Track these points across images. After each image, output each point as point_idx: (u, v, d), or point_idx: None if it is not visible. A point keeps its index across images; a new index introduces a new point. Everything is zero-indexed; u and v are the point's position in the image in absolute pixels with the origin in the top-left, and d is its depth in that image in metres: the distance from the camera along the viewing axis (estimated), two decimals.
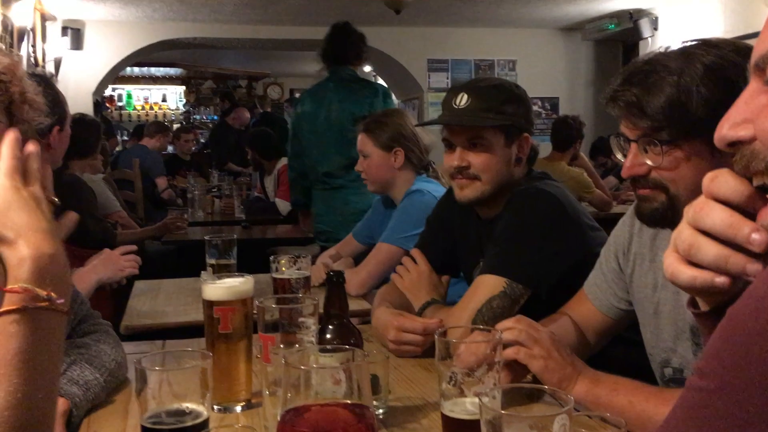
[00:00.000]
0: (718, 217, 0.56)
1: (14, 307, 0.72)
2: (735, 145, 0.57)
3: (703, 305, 0.64)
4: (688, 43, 1.07)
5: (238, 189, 5.87)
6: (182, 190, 6.11)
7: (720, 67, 1.02)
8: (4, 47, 4.27)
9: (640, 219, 1.13)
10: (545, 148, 4.37)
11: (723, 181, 0.57)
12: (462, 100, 1.62)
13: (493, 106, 1.61)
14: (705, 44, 1.05)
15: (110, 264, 1.87)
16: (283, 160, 5.21)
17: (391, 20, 6.12)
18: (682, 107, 1.02)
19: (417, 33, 7.24)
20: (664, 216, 1.08)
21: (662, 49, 1.09)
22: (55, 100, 1.84)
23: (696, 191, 0.61)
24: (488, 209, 1.67)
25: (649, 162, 1.07)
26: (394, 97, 6.13)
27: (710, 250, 0.57)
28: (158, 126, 6.45)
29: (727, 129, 0.57)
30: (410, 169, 2.38)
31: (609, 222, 1.56)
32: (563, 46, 7.56)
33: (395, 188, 2.39)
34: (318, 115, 3.42)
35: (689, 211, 0.59)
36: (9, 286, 0.74)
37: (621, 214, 1.38)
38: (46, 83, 1.86)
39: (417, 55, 7.32)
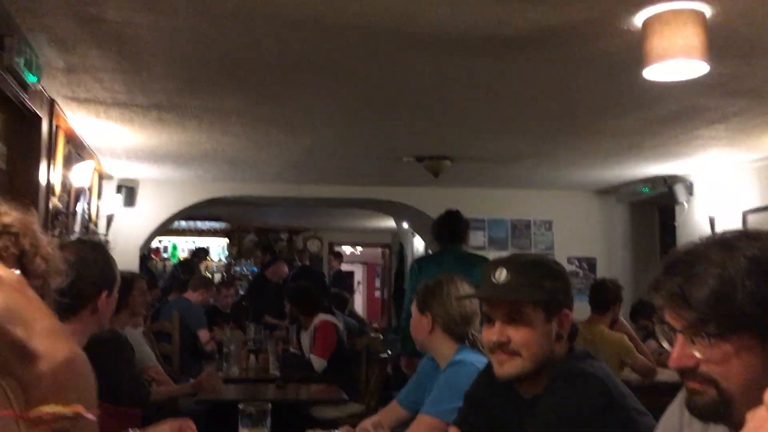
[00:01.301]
0: None
1: None
2: None
3: None
4: (729, 234, 1.08)
5: (274, 343, 5.85)
6: (219, 343, 6.10)
7: (764, 260, 1.01)
8: (61, 205, 4.49)
9: (691, 413, 1.08)
10: (584, 308, 4.31)
11: None
12: (501, 274, 1.63)
13: (533, 282, 1.61)
14: (746, 236, 1.05)
15: None
16: (321, 316, 5.22)
17: (429, 181, 6.30)
18: (728, 300, 1.01)
19: (455, 193, 7.41)
20: (716, 411, 1.03)
21: (701, 239, 1.10)
22: (107, 265, 1.90)
23: (748, 387, 0.59)
24: (529, 387, 1.63)
25: (697, 354, 1.04)
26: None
27: None
28: (203, 281, 6.56)
29: None
30: (447, 336, 2.36)
31: (653, 390, 1.50)
32: (599, 208, 7.64)
33: (435, 353, 2.40)
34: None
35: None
36: (31, 414, 0.69)
37: (665, 384, 1.32)
38: (100, 249, 1.93)
39: None
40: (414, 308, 2.45)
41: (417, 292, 2.46)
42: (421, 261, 4.94)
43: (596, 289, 4.61)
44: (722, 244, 1.05)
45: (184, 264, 9.56)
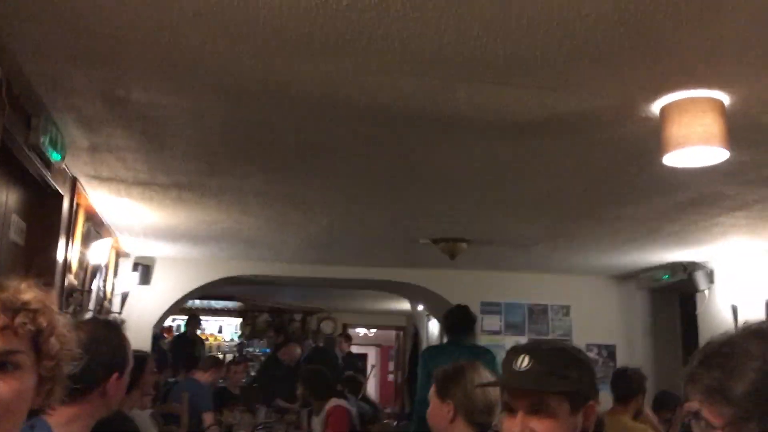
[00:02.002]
0: None
1: None
2: None
3: None
4: (765, 325, 1.03)
5: (284, 427, 5.71)
6: (228, 427, 5.97)
7: None
8: (77, 283, 4.48)
9: None
10: (603, 397, 4.17)
11: None
12: (523, 362, 1.57)
13: (556, 370, 1.56)
14: None
15: None
16: (333, 401, 5.09)
17: (445, 264, 6.27)
18: None
19: (470, 276, 7.37)
20: None
21: (738, 330, 1.05)
22: (120, 347, 1.86)
23: None
24: None
25: None
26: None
27: None
28: (213, 361, 6.48)
29: None
30: (469, 427, 2.28)
31: None
32: (617, 293, 7.54)
33: None
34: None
35: None
36: None
37: None
38: (114, 329, 1.89)
39: (470, 297, 7.34)
40: (433, 395, 2.39)
41: (436, 378, 2.41)
42: (432, 350, 5.33)
43: (619, 378, 4.47)
44: (761, 335, 1.00)
45: (181, 339, 9.37)
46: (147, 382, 3.57)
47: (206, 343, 11.63)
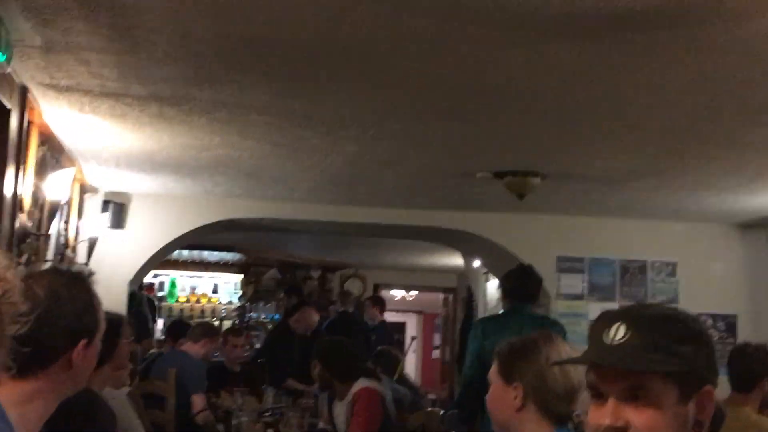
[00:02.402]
0: None
1: None
2: None
3: None
4: None
5: (298, 415, 5.84)
6: (226, 412, 6.11)
7: None
8: (30, 224, 4.57)
9: None
10: (722, 383, 4.18)
11: None
12: (618, 332, 1.56)
13: (663, 345, 1.54)
14: None
15: None
16: (362, 382, 5.17)
17: (511, 206, 6.26)
18: None
19: (544, 223, 7.35)
20: None
21: None
22: (88, 306, 1.88)
23: None
24: None
25: None
26: None
27: None
28: (206, 329, 6.61)
29: None
30: (543, 417, 2.31)
31: None
32: (742, 247, 7.48)
33: None
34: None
35: None
36: None
37: None
38: (81, 283, 1.91)
39: (543, 250, 7.38)
40: (495, 376, 2.42)
41: (500, 354, 2.44)
42: (486, 323, 5.46)
43: (736, 358, 4.47)
44: None
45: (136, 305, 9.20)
46: (123, 354, 3.66)
47: (198, 305, 11.90)
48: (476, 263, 9.84)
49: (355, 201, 7.15)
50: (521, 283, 5.12)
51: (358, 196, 6.89)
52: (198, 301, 12.07)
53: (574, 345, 2.48)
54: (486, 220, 7.39)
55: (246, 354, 8.06)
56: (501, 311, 5.70)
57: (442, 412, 6.14)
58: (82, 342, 1.83)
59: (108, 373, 3.64)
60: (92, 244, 6.76)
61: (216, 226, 7.55)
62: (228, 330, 8.37)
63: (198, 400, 5.92)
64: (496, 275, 8.69)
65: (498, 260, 7.90)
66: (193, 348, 6.26)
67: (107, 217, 6.86)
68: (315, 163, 5.63)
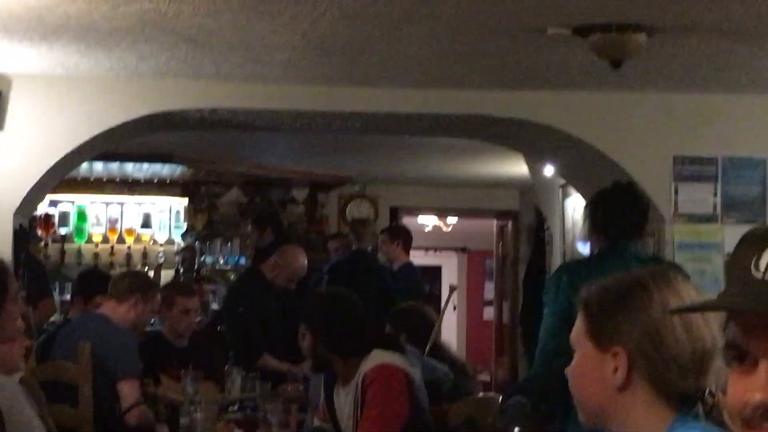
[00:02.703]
0: None
1: None
2: None
3: None
4: None
5: (279, 409, 5.88)
6: (170, 407, 6.17)
7: None
8: None
9: None
10: None
11: None
12: None
13: None
14: None
15: None
16: (376, 357, 5.20)
17: (602, 80, 6.21)
18: None
19: (653, 106, 7.32)
20: None
21: None
22: None
23: None
24: None
25: None
26: None
27: None
28: (135, 281, 6.58)
29: None
30: (657, 397, 2.33)
31: None
32: None
33: (618, 427, 2.38)
34: None
35: None
36: None
37: None
38: None
39: (652, 147, 7.39)
40: (582, 338, 2.45)
41: (588, 304, 2.46)
42: (571, 270, 5.51)
43: None
44: None
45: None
46: (11, 320, 3.69)
47: (121, 247, 11.91)
48: (548, 172, 9.81)
49: (358, 79, 7.14)
50: (619, 211, 5.17)
51: (361, 71, 6.88)
52: (121, 241, 12.05)
53: (702, 290, 2.48)
54: (562, 104, 7.37)
55: (198, 320, 8.09)
56: (589, 253, 5.84)
57: (501, 397, 6.18)
58: None
59: None
60: None
61: (144, 124, 7.53)
62: (170, 285, 8.43)
63: (128, 390, 5.93)
64: (581, 190, 8.71)
65: (582, 166, 7.90)
66: (116, 310, 6.26)
67: None
68: (294, 20, 5.60)
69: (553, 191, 10.28)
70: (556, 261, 10.00)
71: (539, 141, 8.27)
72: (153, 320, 7.98)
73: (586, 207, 5.66)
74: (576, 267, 5.68)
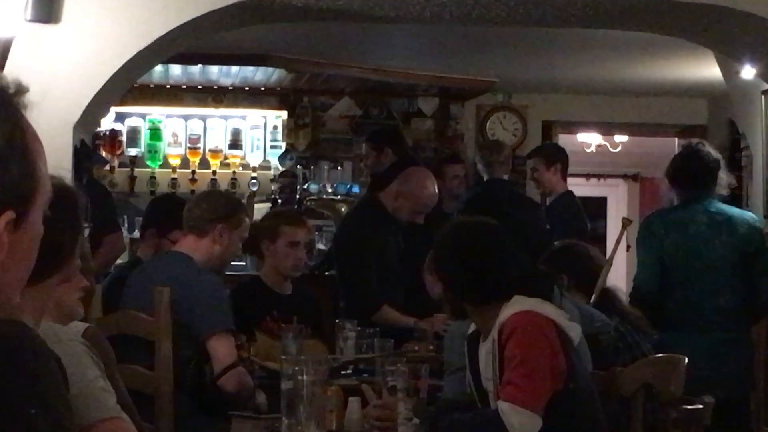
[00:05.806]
0: None
1: None
2: None
3: None
4: None
5: (407, 372, 5.90)
6: (268, 372, 6.22)
7: None
8: None
9: None
10: None
11: None
12: None
13: None
14: None
15: None
16: (517, 304, 5.17)
17: None
18: None
19: None
20: None
21: None
22: (16, 148, 1.89)
23: None
24: None
25: None
26: None
27: None
28: (216, 205, 6.47)
29: None
30: None
31: None
32: None
33: None
34: (692, 250, 7.15)
35: None
36: None
37: None
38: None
39: None
40: None
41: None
42: (662, 219, 7.62)
43: None
44: None
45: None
46: (76, 258, 3.74)
47: (204, 172, 11.96)
48: (747, 73, 9.63)
49: None
50: (690, 167, 6.68)
51: None
52: (204, 164, 12.03)
53: None
54: None
55: (304, 262, 8.07)
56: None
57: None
58: (8, 213, 1.85)
59: (49, 294, 3.74)
60: (4, 54, 6.87)
61: (233, 15, 7.52)
62: (272, 214, 8.46)
63: (221, 348, 5.96)
64: (727, 77, 8.62)
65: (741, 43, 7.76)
66: (198, 246, 6.31)
67: (26, 4, 6.93)
68: None
69: (753, 100, 10.08)
70: (757, 190, 9.81)
71: (736, 36, 8.12)
72: (242, 260, 8.04)
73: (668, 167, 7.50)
74: (662, 217, 7.81)
